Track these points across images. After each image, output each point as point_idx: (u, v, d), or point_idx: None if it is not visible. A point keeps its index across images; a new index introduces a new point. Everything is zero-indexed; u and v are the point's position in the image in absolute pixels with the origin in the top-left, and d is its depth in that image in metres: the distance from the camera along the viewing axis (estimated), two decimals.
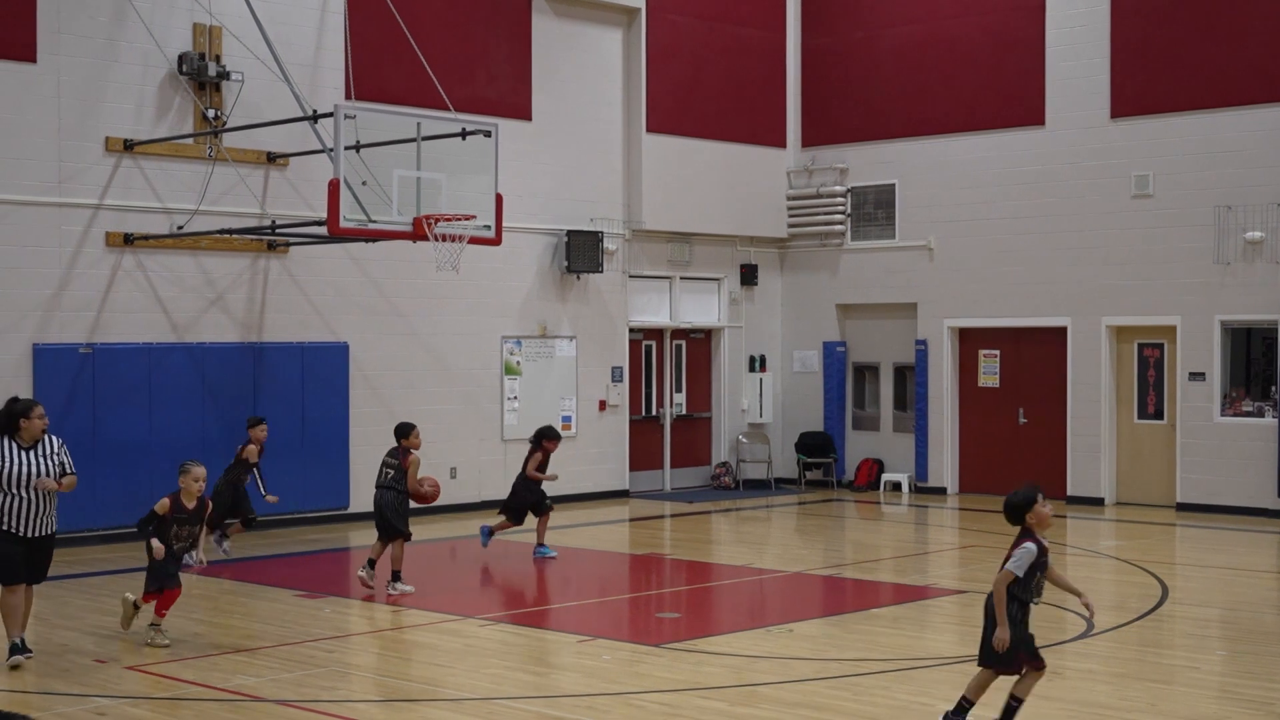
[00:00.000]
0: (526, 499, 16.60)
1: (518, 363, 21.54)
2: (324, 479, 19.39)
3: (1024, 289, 22.37)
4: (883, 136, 23.97)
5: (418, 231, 15.96)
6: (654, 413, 23.84)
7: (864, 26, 24.19)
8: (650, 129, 22.89)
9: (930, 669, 11.00)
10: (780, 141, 24.82)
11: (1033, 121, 22.32)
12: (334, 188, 15.27)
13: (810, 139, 24.82)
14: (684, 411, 24.20)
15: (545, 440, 16.72)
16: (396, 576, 14.25)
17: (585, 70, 22.44)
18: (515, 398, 21.47)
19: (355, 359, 19.71)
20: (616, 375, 22.79)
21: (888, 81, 23.88)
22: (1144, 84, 21.21)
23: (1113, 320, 21.58)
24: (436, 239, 15.95)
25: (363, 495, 18.32)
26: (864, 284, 24.24)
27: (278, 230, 17.55)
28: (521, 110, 21.52)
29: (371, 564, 14.47)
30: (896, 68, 23.78)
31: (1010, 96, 22.54)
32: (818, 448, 24.51)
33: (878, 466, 24.22)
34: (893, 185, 23.84)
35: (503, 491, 20.84)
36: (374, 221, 15.87)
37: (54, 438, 11.15)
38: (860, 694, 10.08)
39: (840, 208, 24.32)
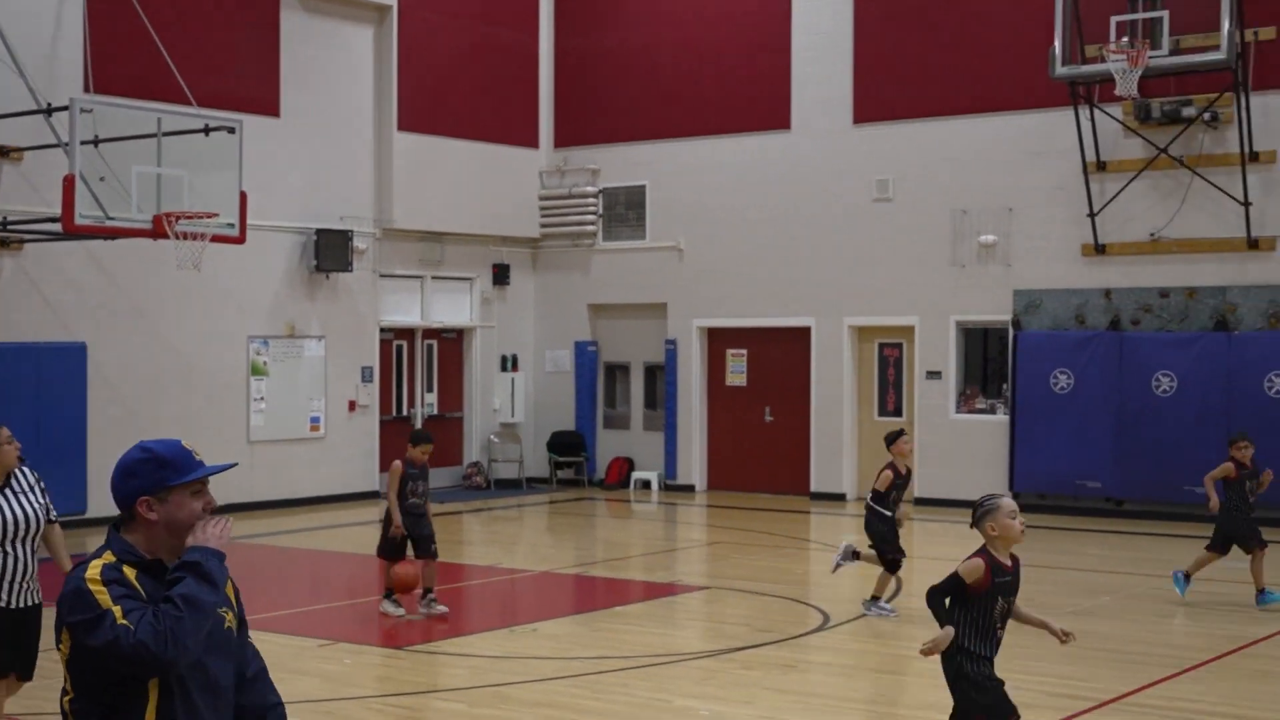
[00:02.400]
0: None
1: (265, 363, 21.19)
2: (61, 483, 18.76)
3: (770, 290, 22.81)
4: (634, 138, 24.21)
5: (158, 229, 15.62)
6: (405, 413, 23.69)
7: (617, 29, 24.40)
8: (402, 127, 22.73)
9: (671, 665, 11.16)
10: (533, 142, 24.89)
11: (779, 126, 22.79)
12: (69, 183, 14.87)
13: (563, 140, 24.95)
14: (435, 411, 24.10)
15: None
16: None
17: (336, 67, 22.18)
18: (262, 399, 21.12)
19: (94, 360, 19.15)
20: (367, 375, 22.58)
21: (640, 84, 24.13)
22: (885, 91, 21.82)
23: (854, 320, 22.16)
24: (177, 237, 15.64)
25: (101, 500, 17.81)
26: (615, 284, 24.45)
27: (9, 226, 16.97)
28: (269, 107, 21.18)
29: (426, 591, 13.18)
30: (648, 71, 24.04)
31: (758, 101, 22.96)
32: (569, 447, 24.64)
33: (628, 465, 24.46)
34: (643, 186, 24.10)
35: (250, 494, 20.48)
36: (112, 219, 15.49)
37: (29, 470, 8.17)
38: (600, 692, 10.19)
39: (592, 208, 24.49)
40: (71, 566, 4.13)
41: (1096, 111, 19.77)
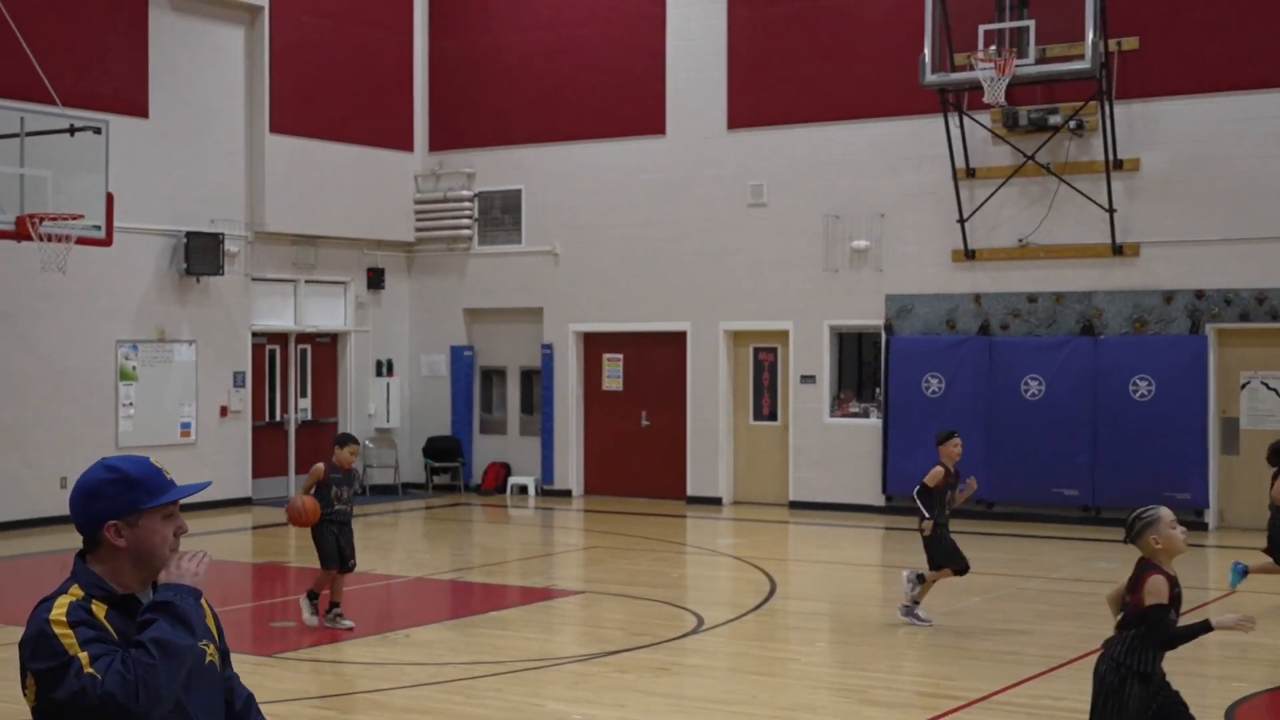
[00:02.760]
0: None
1: (134, 368, 20.83)
2: None
3: (646, 294, 22.86)
4: (510, 142, 24.14)
5: (21, 231, 15.32)
6: (278, 418, 23.40)
7: (492, 32, 24.32)
8: (274, 129, 22.47)
9: (545, 669, 11.13)
10: (408, 145, 24.72)
11: (654, 130, 22.85)
12: None
13: (438, 143, 24.81)
14: (309, 417, 23.83)
15: None
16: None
17: (206, 68, 21.88)
18: (131, 404, 20.76)
19: None
20: (239, 380, 22.28)
21: (515, 87, 24.07)
22: (758, 97, 21.97)
23: (730, 325, 22.26)
24: (42, 239, 15.33)
25: None
26: (491, 288, 24.36)
27: None
28: (138, 107, 20.84)
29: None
30: (524, 74, 23.98)
31: (633, 105, 23.01)
32: (445, 452, 24.50)
33: (505, 470, 24.37)
34: (519, 191, 24.04)
35: None
36: None
37: None
38: (473, 697, 10.13)
39: (467, 212, 24.38)
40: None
41: (966, 119, 20.05)
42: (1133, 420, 19.14)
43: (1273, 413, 18.91)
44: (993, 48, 18.86)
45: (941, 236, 20.61)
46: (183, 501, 3.85)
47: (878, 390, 21.30)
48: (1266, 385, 18.96)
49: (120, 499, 3.71)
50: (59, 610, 3.60)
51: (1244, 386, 19.10)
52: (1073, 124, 19.53)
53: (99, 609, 3.63)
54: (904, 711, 9.64)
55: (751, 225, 22.02)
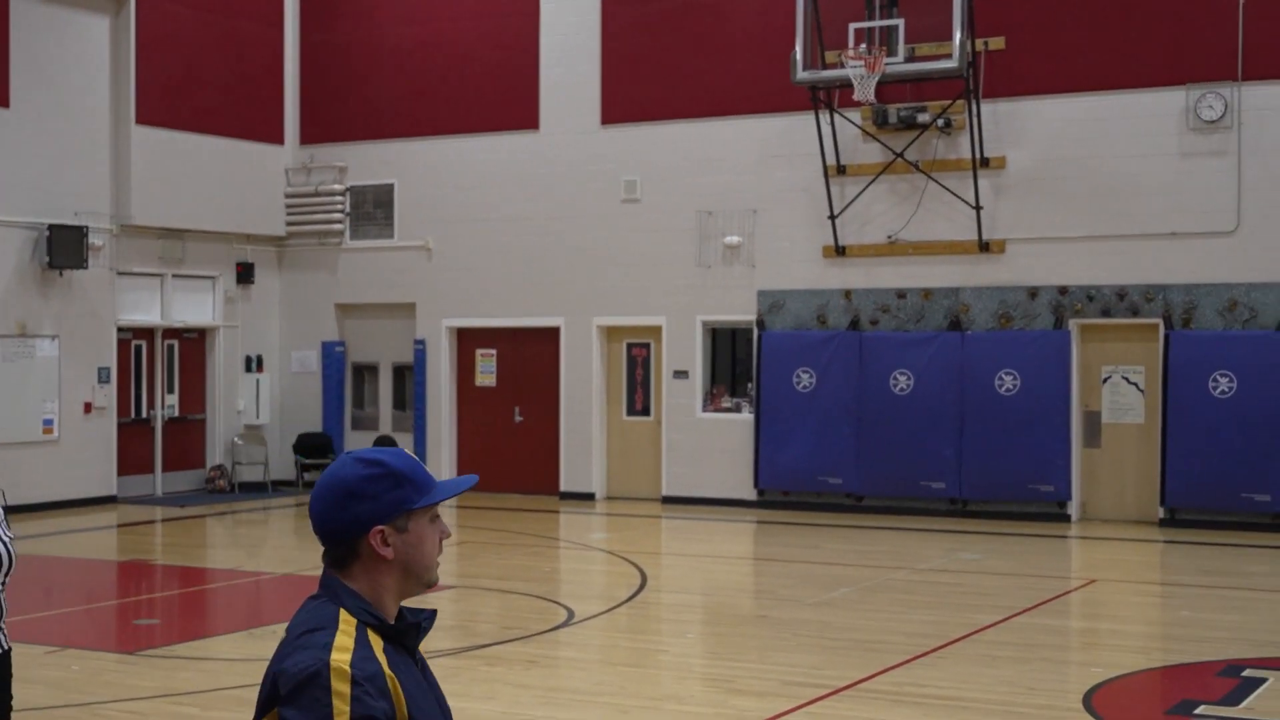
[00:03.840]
0: None
1: None
2: None
3: (520, 289, 22.82)
4: (383, 136, 23.97)
5: None
6: (144, 415, 23.03)
7: (365, 25, 24.13)
8: (140, 121, 22.11)
9: None
10: (278, 138, 24.45)
11: (528, 125, 22.81)
12: None
13: (309, 137, 24.57)
14: (177, 413, 23.48)
15: None
16: None
17: (70, 57, 21.47)
18: None
19: None
20: (103, 376, 21.89)
21: (388, 81, 23.91)
22: (632, 93, 22.02)
23: (603, 320, 22.29)
24: None
25: None
26: (363, 283, 24.18)
27: None
28: None
29: None
30: (397, 68, 23.83)
31: (507, 100, 22.95)
32: (317, 449, 24.27)
33: None
34: (392, 185, 23.88)
35: None
36: None
37: None
38: None
39: (339, 206, 24.17)
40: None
41: (836, 116, 20.25)
42: (998, 414, 19.45)
43: (1133, 407, 19.32)
44: (863, 46, 19.06)
45: (813, 233, 20.79)
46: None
47: (750, 385, 21.44)
48: (1127, 380, 19.36)
49: (387, 498, 3.08)
50: (342, 654, 2.93)
51: (1105, 381, 19.48)
52: (941, 122, 19.80)
53: (376, 645, 3.01)
54: (771, 700, 9.73)
55: (625, 221, 22.06)
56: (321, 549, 3.14)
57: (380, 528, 3.06)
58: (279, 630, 10.83)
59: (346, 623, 3.00)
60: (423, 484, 3.12)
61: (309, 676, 2.89)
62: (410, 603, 3.20)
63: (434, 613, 3.23)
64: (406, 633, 3.11)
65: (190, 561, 17.09)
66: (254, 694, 8.99)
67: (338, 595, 3.07)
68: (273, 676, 2.96)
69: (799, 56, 19.55)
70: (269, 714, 2.96)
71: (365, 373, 24.67)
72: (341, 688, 2.87)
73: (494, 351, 23.41)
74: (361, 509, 3.06)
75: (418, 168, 23.64)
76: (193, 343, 23.83)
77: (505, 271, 22.89)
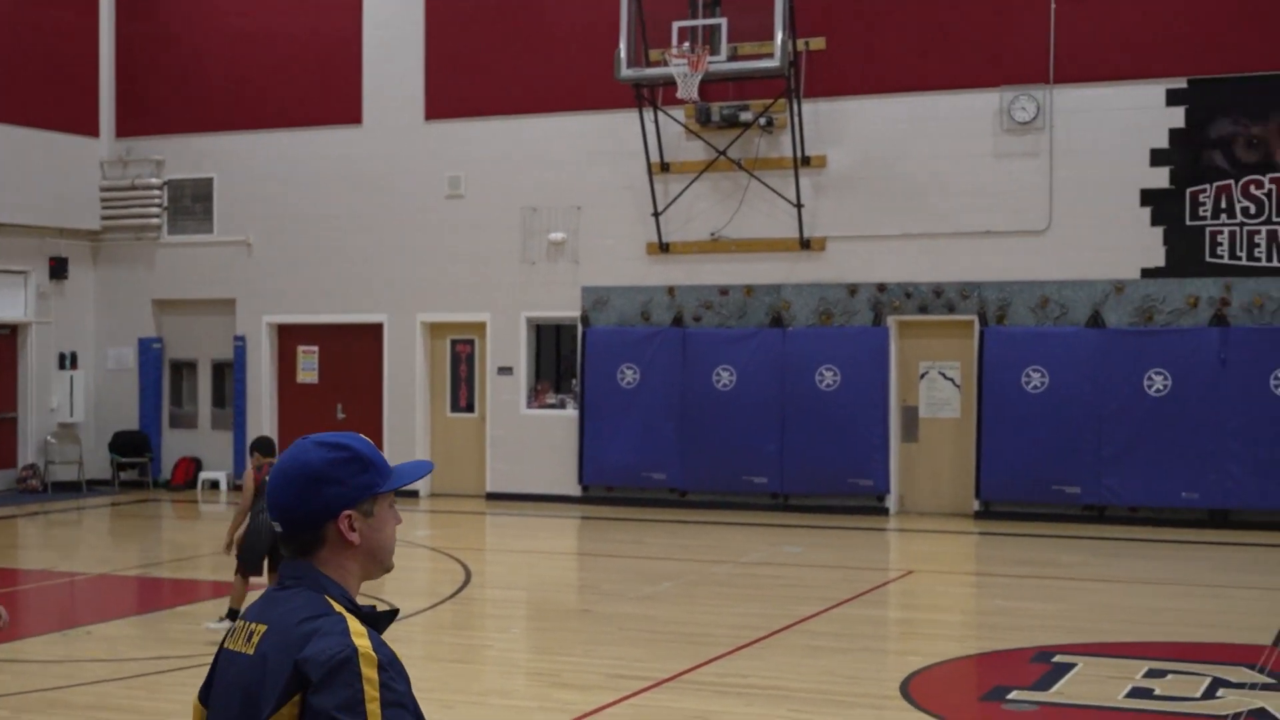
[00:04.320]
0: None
1: None
2: None
3: (343, 285, 22.59)
4: (202, 129, 23.55)
5: None
6: None
7: (183, 16, 23.67)
8: None
9: None
10: (93, 130, 23.88)
11: (351, 120, 22.59)
12: None
13: (126, 129, 24.04)
14: None
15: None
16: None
17: None
18: None
19: None
20: None
21: (207, 74, 23.48)
22: (457, 88, 21.92)
23: (427, 317, 22.16)
24: None
25: None
26: (181, 279, 23.72)
27: None
28: None
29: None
30: (217, 60, 23.41)
31: (329, 94, 22.70)
32: (133, 447, 23.76)
33: (196, 465, 23.77)
34: (211, 179, 23.47)
35: None
36: None
37: None
38: (157, 691, 9.88)
39: (156, 200, 23.68)
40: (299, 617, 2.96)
41: (660, 114, 20.38)
42: (819, 409, 19.74)
43: (949, 402, 19.75)
44: (686, 44, 19.21)
45: (637, 230, 20.90)
46: None
47: (574, 381, 21.49)
48: (944, 375, 19.78)
49: (354, 482, 3.03)
50: (362, 637, 2.88)
51: (923, 376, 19.88)
52: (763, 121, 20.04)
53: None
54: (595, 693, 9.77)
55: (449, 217, 21.96)
56: (280, 537, 3.09)
57: (348, 513, 3.02)
58: (94, 630, 10.62)
59: (339, 610, 2.96)
60: (385, 468, 3.10)
61: (341, 662, 2.83)
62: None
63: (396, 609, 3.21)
64: (380, 620, 3.08)
65: (1, 562, 16.62)
66: (69, 695, 8.77)
67: (319, 583, 3.01)
68: (294, 665, 2.86)
69: (623, 54, 19.64)
70: (287, 704, 2.86)
71: (184, 370, 24.22)
72: (370, 673, 2.83)
73: (316, 348, 23.14)
74: (330, 494, 3.01)
75: (238, 162, 23.26)
76: (3, 339, 23.18)
77: (327, 267, 22.64)
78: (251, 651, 2.96)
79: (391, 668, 2.87)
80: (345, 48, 22.58)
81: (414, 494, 22.03)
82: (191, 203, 23.67)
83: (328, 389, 23.07)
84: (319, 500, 3.01)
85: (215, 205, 23.46)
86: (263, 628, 2.98)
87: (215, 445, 23.81)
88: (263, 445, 11.87)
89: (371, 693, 2.82)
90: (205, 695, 3.17)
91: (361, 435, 3.14)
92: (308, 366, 23.19)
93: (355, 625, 2.91)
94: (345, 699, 2.80)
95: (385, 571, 3.15)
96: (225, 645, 3.09)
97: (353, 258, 22.48)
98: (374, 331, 22.53)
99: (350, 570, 3.06)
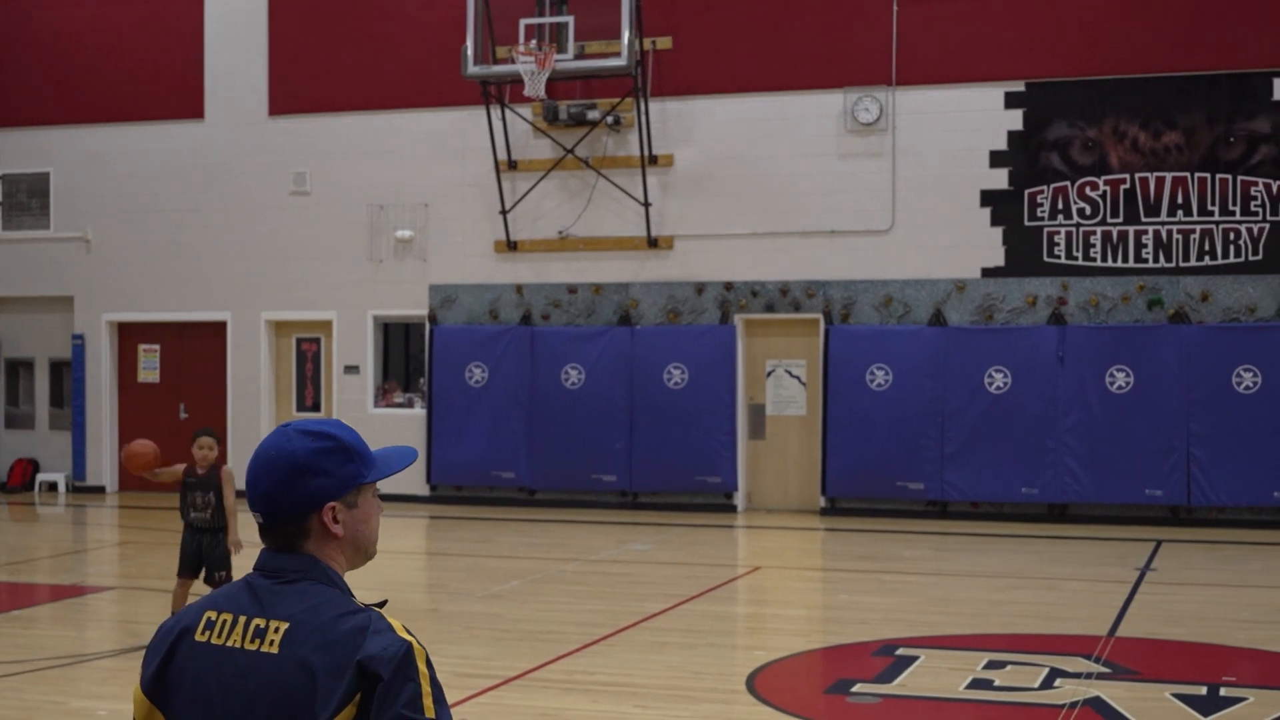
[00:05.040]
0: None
1: None
2: None
3: (186, 283, 22.20)
4: (38, 122, 22.98)
5: None
6: None
7: (16, 7, 23.09)
8: None
9: (71, 666, 10.68)
10: None
11: (192, 115, 22.21)
12: None
13: None
14: None
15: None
16: None
17: None
18: None
19: None
20: None
21: (43, 65, 22.92)
22: (302, 83, 21.65)
23: (272, 315, 21.87)
24: None
25: None
26: (16, 276, 23.13)
27: None
28: None
29: None
30: (54, 52, 22.86)
31: (170, 88, 22.29)
32: None
33: (33, 466, 23.21)
34: (47, 174, 22.92)
35: None
36: None
37: None
38: None
39: None
40: (340, 609, 2.89)
41: (508, 111, 20.33)
42: (667, 408, 19.83)
43: (795, 399, 19.95)
44: (533, 42, 19.18)
45: (485, 227, 20.82)
46: None
47: (422, 380, 21.35)
48: (790, 373, 19.98)
49: (340, 473, 2.95)
50: (406, 631, 2.84)
51: (769, 375, 20.06)
52: (610, 119, 20.07)
53: None
54: None
55: (294, 214, 21.69)
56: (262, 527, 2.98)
57: (333, 504, 2.94)
58: None
59: (363, 604, 2.90)
60: (370, 457, 3.02)
61: (404, 656, 2.79)
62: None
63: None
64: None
65: None
66: None
67: (330, 577, 2.94)
68: (357, 664, 2.77)
69: (470, 51, 19.56)
70: (348, 705, 2.78)
71: (20, 369, 23.63)
72: (423, 668, 2.81)
73: (157, 347, 22.72)
74: (315, 485, 2.92)
75: (76, 156, 22.75)
76: None
77: (169, 264, 22.24)
78: (276, 651, 2.84)
79: (432, 661, 2.86)
80: (187, 41, 22.18)
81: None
82: (27, 197, 23.10)
83: (170, 388, 22.66)
84: (304, 492, 2.92)
85: (52, 200, 22.92)
86: (284, 625, 2.86)
87: (53, 446, 23.27)
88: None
89: (426, 687, 2.79)
90: (156, 690, 2.98)
91: (343, 422, 3.08)
92: (149, 366, 22.76)
93: (393, 619, 2.87)
94: (410, 695, 2.77)
95: (368, 560, 3.08)
96: (209, 640, 2.93)
97: (195, 255, 22.11)
98: (217, 330, 22.18)
99: (338, 562, 2.99)
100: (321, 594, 2.91)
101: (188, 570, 11.57)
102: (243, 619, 2.91)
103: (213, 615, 2.95)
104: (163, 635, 3.01)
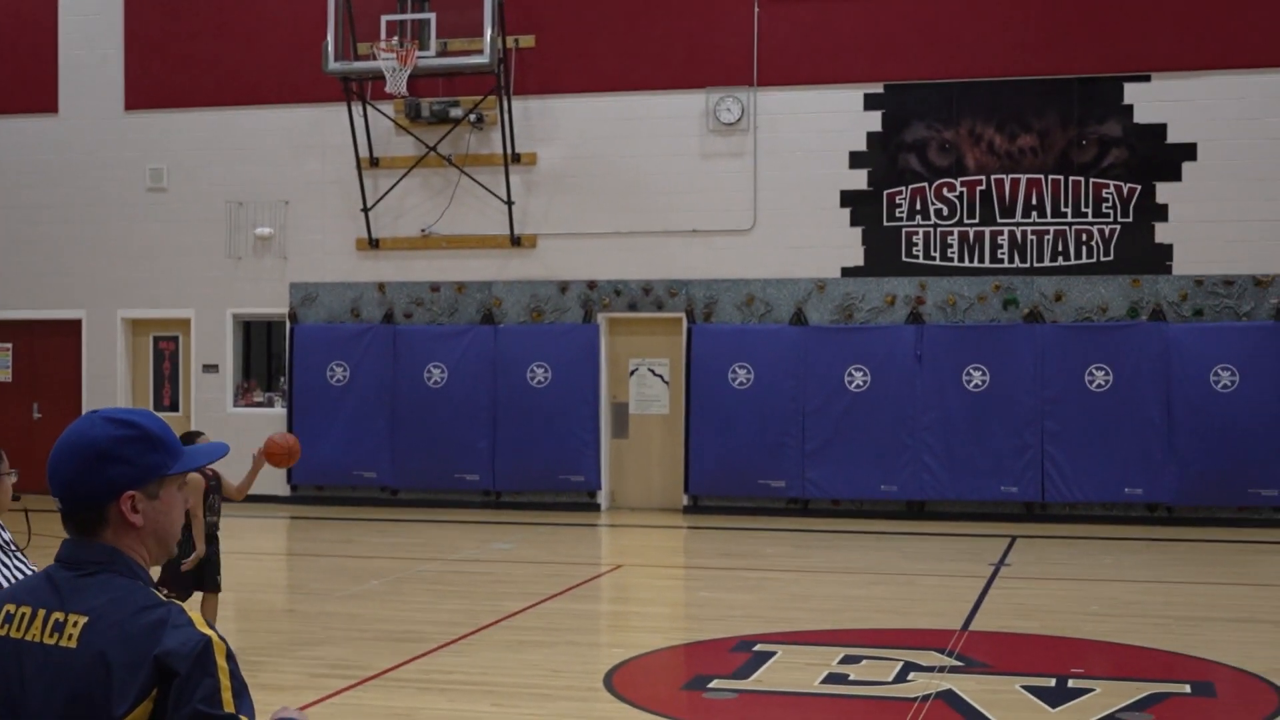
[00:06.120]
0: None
1: None
2: None
3: (39, 280, 21.74)
4: None
5: None
6: None
7: None
8: None
9: None
10: None
11: (46, 109, 21.76)
12: None
13: None
14: None
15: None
16: None
17: None
18: None
19: None
20: None
21: None
22: (159, 77, 21.31)
23: (128, 313, 21.50)
24: None
25: None
26: None
27: None
28: None
29: None
30: None
31: (23, 82, 21.82)
32: None
33: None
34: None
35: None
36: None
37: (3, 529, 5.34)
38: None
39: None
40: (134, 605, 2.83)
41: (369, 108, 20.17)
42: (531, 406, 19.80)
43: (658, 398, 20.01)
44: (395, 38, 19.05)
45: (346, 225, 20.64)
46: None
47: (282, 379, 21.11)
48: (653, 372, 20.04)
49: (141, 462, 2.89)
50: (205, 626, 2.79)
51: (633, 373, 20.11)
52: (473, 117, 20.00)
53: None
54: (298, 694, 9.60)
55: (151, 210, 21.34)
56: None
57: (131, 493, 2.89)
58: None
59: (166, 597, 2.85)
60: (175, 448, 2.97)
61: (202, 650, 2.74)
62: None
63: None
64: None
65: None
66: None
67: (132, 569, 2.89)
68: (155, 659, 2.73)
69: (330, 47, 19.40)
70: (145, 700, 2.74)
71: None
72: (222, 662, 2.77)
73: (9, 345, 22.23)
74: (115, 472, 2.87)
75: None
76: None
77: (21, 261, 21.77)
78: (74, 645, 2.80)
79: (234, 655, 2.82)
80: (39, 33, 21.73)
81: None
82: None
83: (23, 387, 22.18)
84: (102, 479, 2.87)
85: None
86: (82, 619, 2.81)
87: None
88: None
89: (225, 681, 2.76)
90: None
91: (152, 412, 3.04)
92: (0, 364, 22.26)
93: (194, 614, 2.82)
94: (208, 690, 2.73)
95: (169, 557, 3.02)
96: (8, 634, 2.88)
97: (49, 251, 21.66)
98: (72, 328, 21.75)
99: (139, 554, 2.93)
100: (122, 587, 2.86)
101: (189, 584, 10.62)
102: (42, 612, 2.87)
103: (12, 609, 2.91)
104: None
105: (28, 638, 2.86)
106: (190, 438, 10.78)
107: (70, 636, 2.81)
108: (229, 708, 2.75)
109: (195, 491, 10.47)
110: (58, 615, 2.85)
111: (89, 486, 2.89)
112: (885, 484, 18.84)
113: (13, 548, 5.22)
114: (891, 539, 17.27)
